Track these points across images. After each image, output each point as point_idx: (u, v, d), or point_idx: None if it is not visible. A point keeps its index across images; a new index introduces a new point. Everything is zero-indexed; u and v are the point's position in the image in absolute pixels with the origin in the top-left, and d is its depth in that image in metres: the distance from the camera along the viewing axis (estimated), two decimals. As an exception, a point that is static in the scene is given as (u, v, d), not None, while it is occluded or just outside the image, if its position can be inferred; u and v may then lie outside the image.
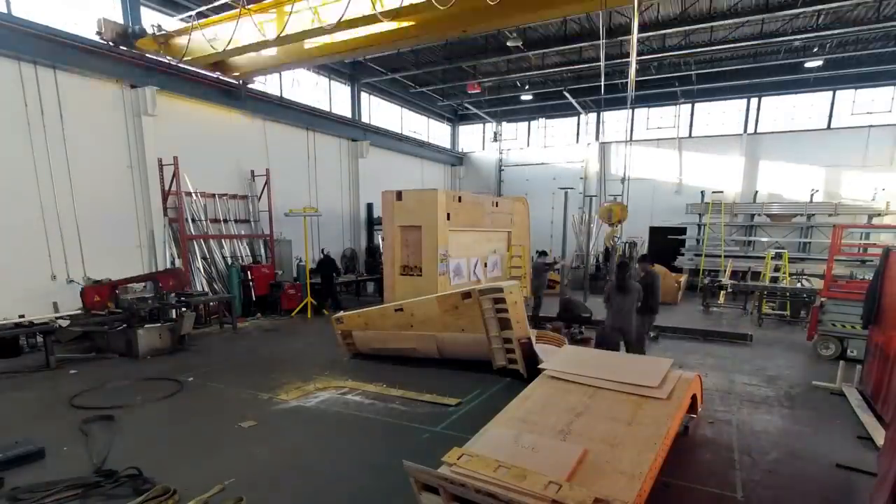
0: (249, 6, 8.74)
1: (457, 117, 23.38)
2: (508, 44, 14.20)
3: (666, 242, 17.96)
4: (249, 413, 5.84)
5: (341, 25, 8.27)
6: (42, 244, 9.19)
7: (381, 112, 19.04)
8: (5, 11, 8.72)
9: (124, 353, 8.35)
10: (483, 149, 23.41)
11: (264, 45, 9.53)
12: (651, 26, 12.96)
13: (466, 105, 21.04)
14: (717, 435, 5.31)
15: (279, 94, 14.22)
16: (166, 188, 11.06)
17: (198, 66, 10.96)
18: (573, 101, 18.75)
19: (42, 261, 9.19)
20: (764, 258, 14.27)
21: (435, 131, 22.57)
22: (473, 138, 23.71)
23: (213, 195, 12.27)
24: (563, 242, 11.30)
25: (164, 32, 10.25)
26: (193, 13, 9.78)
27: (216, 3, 9.52)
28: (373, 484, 4.27)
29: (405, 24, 8.68)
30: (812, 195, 16.40)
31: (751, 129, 18.05)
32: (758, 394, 6.67)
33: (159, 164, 10.87)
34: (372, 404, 6.19)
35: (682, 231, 17.61)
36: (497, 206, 14.30)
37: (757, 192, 17.44)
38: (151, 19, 10.78)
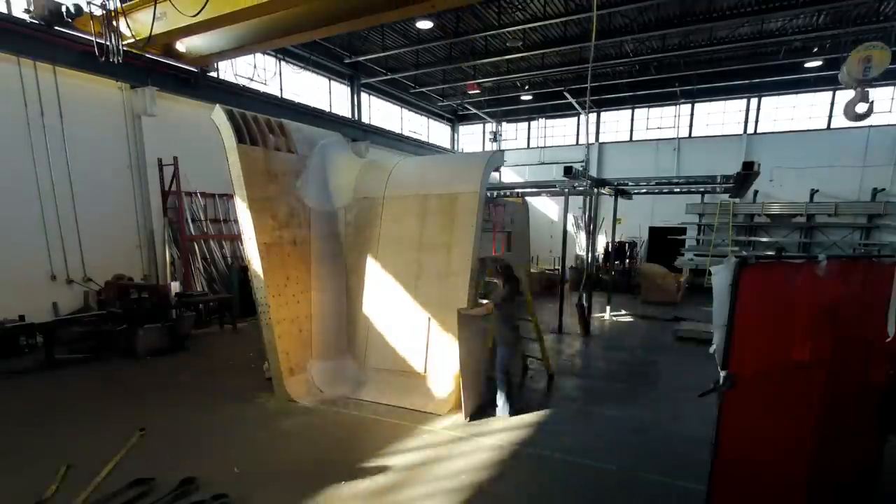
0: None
1: (457, 117, 23.38)
2: (508, 44, 14.22)
3: (666, 242, 17.95)
4: (249, 416, 5.86)
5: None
6: (42, 244, 9.19)
7: (381, 112, 19.05)
8: (5, 12, 8.73)
9: (124, 353, 8.35)
10: (483, 149, 23.41)
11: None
12: (651, 26, 12.96)
13: (466, 105, 21.03)
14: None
15: (279, 95, 14.24)
16: (166, 188, 11.06)
17: (147, 52, 9.86)
18: (573, 101, 18.74)
19: (42, 261, 9.20)
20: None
21: (435, 131, 22.57)
22: (473, 139, 23.71)
23: (214, 195, 12.28)
24: (564, 243, 11.29)
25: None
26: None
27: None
28: (375, 483, 4.27)
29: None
30: (812, 195, 16.39)
31: (751, 130, 18.05)
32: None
33: (159, 164, 10.88)
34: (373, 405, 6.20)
35: (682, 231, 17.60)
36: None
37: (757, 191, 17.42)
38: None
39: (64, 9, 8.85)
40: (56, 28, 8.95)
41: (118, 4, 8.19)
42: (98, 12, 8.20)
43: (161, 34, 8.84)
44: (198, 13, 7.32)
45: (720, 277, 2.77)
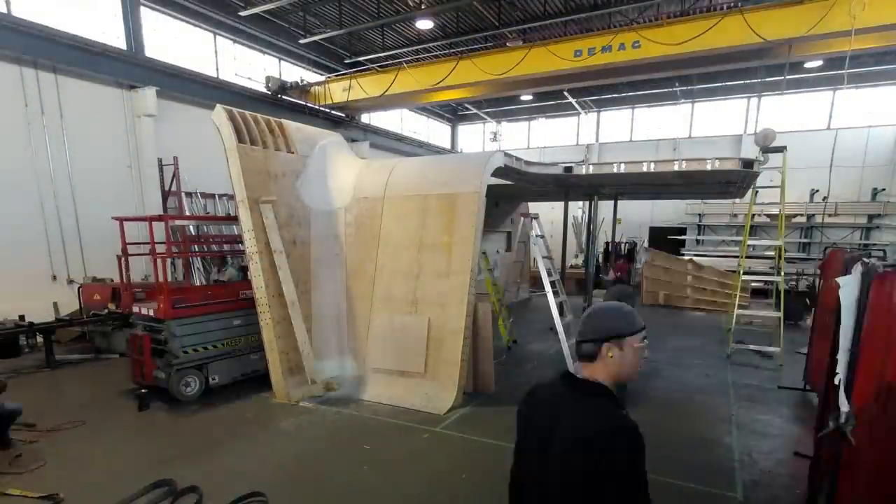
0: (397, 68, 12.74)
1: (456, 117, 23.38)
2: (508, 44, 14.20)
3: (666, 242, 17.95)
4: (248, 416, 5.85)
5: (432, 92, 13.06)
6: (42, 244, 9.20)
7: (381, 112, 18.99)
8: (5, 11, 8.73)
9: (124, 353, 8.34)
10: (483, 149, 23.40)
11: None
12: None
13: (466, 105, 21.02)
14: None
15: (278, 96, 14.20)
16: (166, 188, 11.06)
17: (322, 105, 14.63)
18: (573, 101, 18.74)
19: (42, 261, 9.20)
20: (762, 258, 14.27)
21: (435, 131, 22.57)
22: (473, 139, 23.70)
23: (213, 195, 12.26)
24: (564, 243, 11.32)
25: (305, 84, 14.09)
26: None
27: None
28: (375, 483, 4.28)
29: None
30: (812, 195, 16.40)
31: (751, 130, 18.04)
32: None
33: (159, 165, 10.88)
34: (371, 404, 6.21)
35: (682, 231, 17.61)
36: (497, 206, 14.30)
37: (757, 192, 17.43)
38: (152, 19, 10.96)
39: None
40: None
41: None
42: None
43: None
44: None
45: (848, 290, 2.19)
